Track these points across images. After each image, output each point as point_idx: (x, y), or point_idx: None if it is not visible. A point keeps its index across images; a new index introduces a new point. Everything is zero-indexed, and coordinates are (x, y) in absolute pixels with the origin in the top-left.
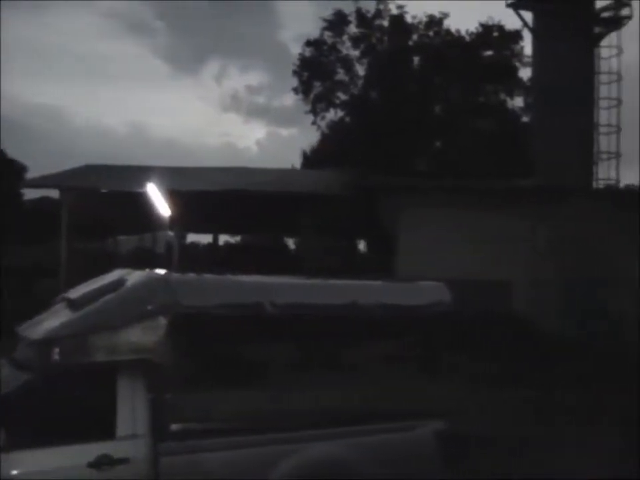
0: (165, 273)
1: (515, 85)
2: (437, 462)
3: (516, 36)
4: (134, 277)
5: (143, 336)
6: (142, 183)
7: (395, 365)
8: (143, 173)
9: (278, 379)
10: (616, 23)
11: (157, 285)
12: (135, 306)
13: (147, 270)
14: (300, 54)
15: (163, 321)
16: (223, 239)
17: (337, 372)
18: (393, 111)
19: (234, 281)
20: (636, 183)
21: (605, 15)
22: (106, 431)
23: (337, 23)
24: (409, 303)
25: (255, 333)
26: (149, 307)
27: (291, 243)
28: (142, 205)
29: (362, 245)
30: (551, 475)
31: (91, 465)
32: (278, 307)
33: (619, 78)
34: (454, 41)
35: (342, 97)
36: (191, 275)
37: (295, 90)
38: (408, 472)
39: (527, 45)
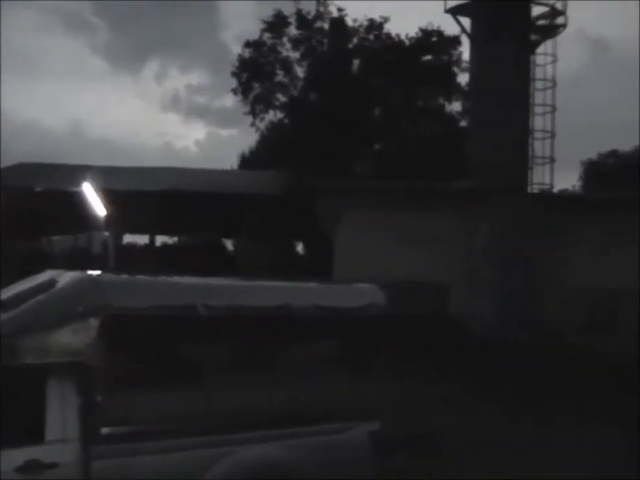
0: (96, 274)
1: (453, 89)
2: (372, 462)
3: (454, 41)
4: (65, 277)
5: (74, 338)
6: (77, 182)
7: (329, 367)
8: (78, 171)
9: (211, 381)
10: (551, 31)
11: (87, 285)
12: (65, 307)
13: (79, 270)
14: (239, 55)
15: (93, 322)
16: (161, 239)
17: (272, 374)
18: (333, 113)
19: (167, 282)
20: (569, 187)
21: (541, 23)
22: (35, 435)
23: (276, 24)
24: (343, 305)
25: (188, 335)
26: (80, 308)
27: (229, 244)
28: (77, 204)
29: (300, 247)
30: (483, 472)
31: (19, 470)
32: (211, 308)
33: (554, 85)
34: (394, 45)
35: (281, 98)
36: (123, 276)
37: (234, 91)
38: (344, 473)
39: (465, 51)
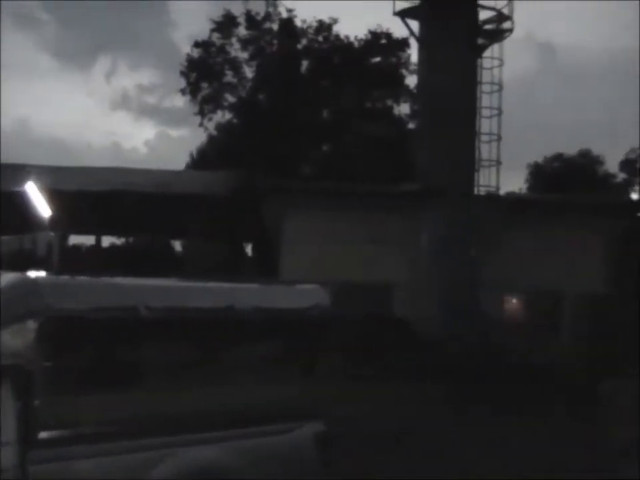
0: (35, 276)
1: (402, 91)
2: (317, 463)
3: (403, 44)
4: (3, 279)
5: (12, 340)
6: (21, 182)
7: (273, 368)
8: (21, 171)
9: (153, 383)
10: (498, 35)
11: (26, 287)
12: (4, 309)
13: (19, 272)
14: (188, 54)
15: (32, 324)
16: (110, 240)
17: (214, 375)
18: (281, 114)
19: (108, 284)
20: (515, 189)
21: (488, 27)
22: None
23: (225, 24)
24: (286, 306)
25: (129, 337)
26: (18, 311)
27: (178, 245)
28: (21, 204)
29: (248, 247)
30: (430, 470)
31: None
32: (153, 310)
33: (500, 88)
34: (343, 46)
35: (230, 99)
36: (64, 278)
37: (182, 91)
38: (288, 474)
39: (414, 53)
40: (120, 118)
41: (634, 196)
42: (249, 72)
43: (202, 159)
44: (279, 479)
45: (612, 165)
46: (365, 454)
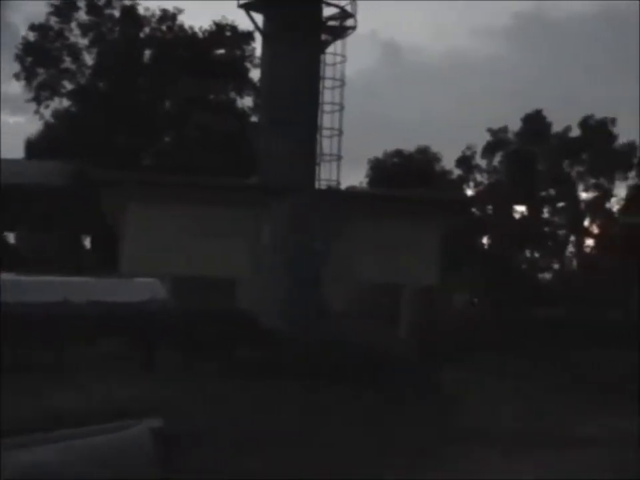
0: None
1: (245, 84)
2: (154, 460)
3: (248, 37)
4: None
5: None
6: None
7: (110, 363)
8: None
9: None
10: (341, 32)
11: None
12: None
13: None
14: (23, 38)
15: None
16: None
17: (47, 373)
18: (121, 103)
19: None
20: (356, 183)
21: (331, 23)
22: None
23: (64, 8)
24: (123, 300)
25: None
26: None
27: (11, 237)
28: None
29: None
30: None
31: None
32: None
33: (343, 84)
34: (187, 37)
35: (68, 85)
36: None
37: (17, 76)
38: (124, 472)
39: (258, 47)
40: None
41: (468, 192)
42: (88, 59)
43: (37, 148)
44: (115, 477)
45: (449, 161)
46: (204, 452)
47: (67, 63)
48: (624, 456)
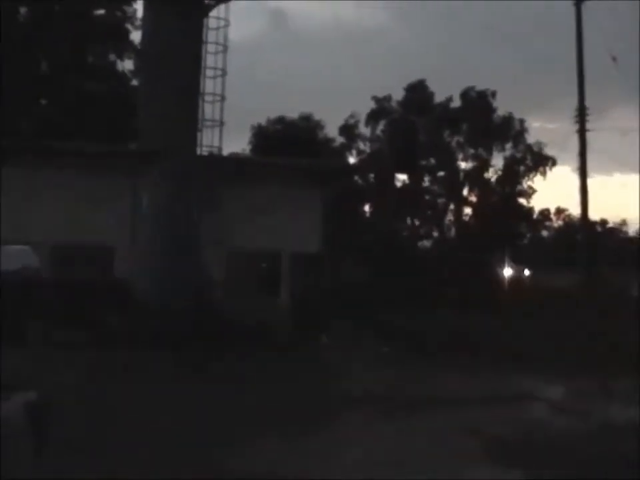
0: None
1: (126, 47)
2: (28, 433)
3: None
4: None
5: None
6: None
7: None
8: None
9: None
10: None
11: None
12: None
13: None
14: None
15: None
16: None
17: None
18: None
19: None
20: (238, 150)
21: None
22: None
23: None
24: None
25: None
26: None
27: None
28: None
29: None
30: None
31: None
32: None
33: (226, 49)
34: None
35: None
36: None
37: None
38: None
39: (140, 8)
40: None
41: (351, 160)
42: None
43: None
44: None
45: (333, 129)
46: (76, 423)
47: None
48: None
